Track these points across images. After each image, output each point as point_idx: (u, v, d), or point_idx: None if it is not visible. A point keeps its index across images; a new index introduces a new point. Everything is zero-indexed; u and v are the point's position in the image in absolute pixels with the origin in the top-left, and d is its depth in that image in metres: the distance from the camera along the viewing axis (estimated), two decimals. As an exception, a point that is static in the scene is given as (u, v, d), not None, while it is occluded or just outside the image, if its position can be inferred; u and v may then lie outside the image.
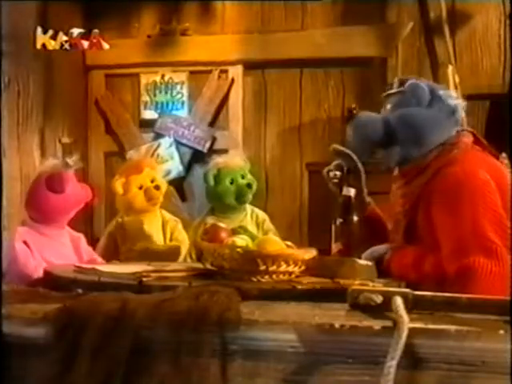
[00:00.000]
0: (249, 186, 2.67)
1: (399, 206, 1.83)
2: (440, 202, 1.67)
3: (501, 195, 1.65)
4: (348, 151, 1.85)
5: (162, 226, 2.70)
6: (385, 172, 1.91)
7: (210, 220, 2.51)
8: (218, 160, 2.77)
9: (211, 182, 2.67)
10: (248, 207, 2.73)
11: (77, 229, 3.39)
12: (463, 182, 1.64)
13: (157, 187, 2.64)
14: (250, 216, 2.70)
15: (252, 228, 2.54)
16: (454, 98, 1.83)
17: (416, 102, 1.79)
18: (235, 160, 2.75)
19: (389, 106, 1.85)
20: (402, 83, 1.85)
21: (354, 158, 1.84)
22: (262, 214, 2.74)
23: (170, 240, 2.69)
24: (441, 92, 1.81)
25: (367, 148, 1.83)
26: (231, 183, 2.65)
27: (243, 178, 2.69)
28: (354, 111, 1.86)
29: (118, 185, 2.63)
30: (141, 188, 2.63)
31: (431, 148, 1.77)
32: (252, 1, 3.44)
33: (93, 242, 3.35)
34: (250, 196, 2.69)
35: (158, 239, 2.62)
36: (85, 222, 3.49)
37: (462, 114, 1.82)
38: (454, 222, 1.63)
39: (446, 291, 1.39)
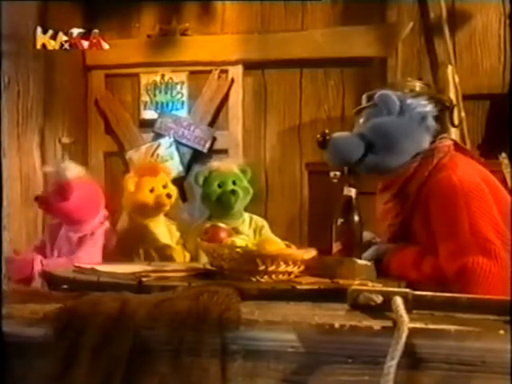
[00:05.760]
0: (233, 192, 2.58)
1: (390, 219, 1.85)
2: (436, 207, 1.69)
3: (492, 198, 1.67)
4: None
5: (167, 228, 2.69)
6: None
7: (207, 225, 2.48)
8: (213, 163, 2.75)
9: (200, 183, 2.65)
10: (246, 214, 2.71)
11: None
12: (457, 186, 1.66)
13: (168, 195, 2.62)
14: (249, 223, 2.67)
15: (248, 234, 2.53)
16: (424, 105, 1.84)
17: (387, 112, 1.82)
18: (228, 165, 2.71)
19: (361, 121, 1.90)
20: (370, 98, 1.90)
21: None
22: (260, 221, 2.70)
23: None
24: (409, 101, 1.83)
25: (348, 165, 1.85)
26: (219, 187, 2.62)
27: (234, 183, 2.64)
28: (327, 136, 1.88)
29: (131, 182, 2.61)
30: (152, 191, 2.62)
31: (408, 157, 1.80)
32: (252, 1, 3.44)
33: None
34: (236, 203, 2.60)
35: (167, 241, 2.61)
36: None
37: (432, 121, 1.83)
38: (451, 225, 1.65)
39: (446, 291, 1.40)
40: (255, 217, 2.72)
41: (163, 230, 2.65)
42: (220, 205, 2.60)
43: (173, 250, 2.53)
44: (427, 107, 1.83)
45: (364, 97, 1.94)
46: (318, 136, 1.90)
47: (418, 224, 1.76)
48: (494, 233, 1.60)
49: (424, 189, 1.75)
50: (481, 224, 1.61)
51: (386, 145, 1.79)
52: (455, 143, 1.89)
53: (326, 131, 1.90)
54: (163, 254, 2.50)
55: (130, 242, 2.54)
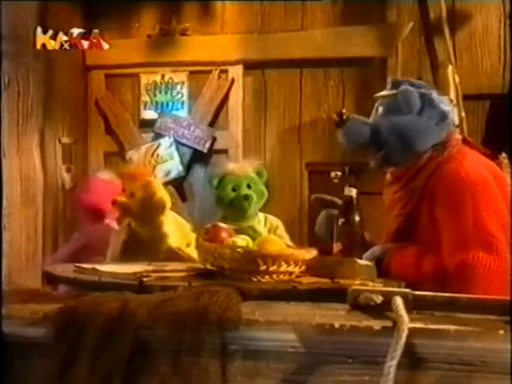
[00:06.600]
0: (246, 197, 2.57)
1: (398, 209, 1.85)
2: (442, 199, 1.70)
3: (499, 192, 1.68)
4: (331, 198, 1.91)
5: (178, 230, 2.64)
6: (380, 172, 1.94)
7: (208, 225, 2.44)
8: (228, 165, 2.72)
9: (214, 185, 2.63)
10: (261, 214, 2.70)
11: (76, 229, 3.40)
12: (464, 179, 1.66)
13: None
14: (264, 223, 2.66)
15: (263, 233, 2.51)
16: (447, 103, 1.83)
17: (407, 110, 1.81)
18: (244, 167, 2.68)
19: (380, 110, 1.88)
20: (394, 84, 1.88)
21: (339, 202, 1.87)
22: (275, 221, 2.68)
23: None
24: (433, 96, 1.81)
25: (358, 152, 1.87)
26: (234, 190, 2.60)
27: (249, 187, 2.62)
28: (344, 116, 1.87)
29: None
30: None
31: (421, 152, 1.80)
32: (252, 1, 3.44)
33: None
34: (250, 207, 2.59)
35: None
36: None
37: (454, 119, 1.84)
38: (455, 218, 1.65)
39: (446, 288, 1.41)
40: (270, 217, 2.70)
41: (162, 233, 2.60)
42: (233, 208, 2.58)
43: (173, 252, 2.50)
44: (448, 106, 1.82)
45: (389, 81, 1.92)
46: (335, 116, 1.88)
47: (424, 215, 1.76)
48: (499, 227, 1.61)
49: (431, 180, 1.75)
50: (485, 218, 1.61)
51: (401, 146, 1.79)
52: (463, 137, 1.90)
53: (343, 110, 1.89)
54: (165, 256, 2.46)
55: (130, 245, 2.51)
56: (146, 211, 2.40)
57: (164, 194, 2.42)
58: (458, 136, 1.86)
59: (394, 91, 1.85)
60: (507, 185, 1.77)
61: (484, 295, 1.48)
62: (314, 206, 1.98)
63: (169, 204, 2.44)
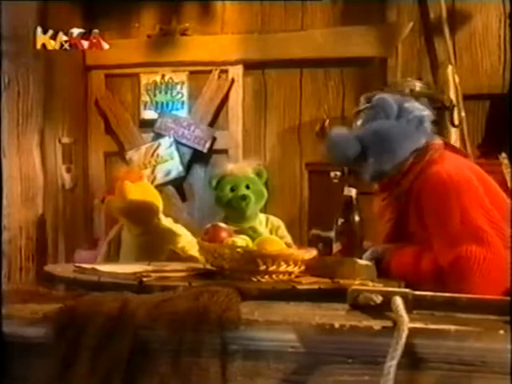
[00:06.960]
0: (243, 198, 2.56)
1: (387, 214, 1.88)
2: (428, 202, 1.72)
3: (483, 189, 1.70)
4: (326, 235, 1.90)
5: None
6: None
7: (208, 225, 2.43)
8: (228, 165, 2.71)
9: (213, 186, 2.63)
10: (262, 215, 2.70)
11: (76, 229, 3.41)
12: (447, 180, 1.69)
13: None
14: (265, 224, 2.66)
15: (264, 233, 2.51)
16: (421, 109, 1.86)
17: (385, 115, 1.83)
18: (243, 168, 2.68)
19: (359, 122, 1.90)
20: (368, 99, 1.91)
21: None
22: (276, 221, 2.68)
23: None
24: (407, 105, 1.84)
25: (344, 164, 1.89)
26: (232, 191, 2.60)
27: (248, 187, 2.62)
28: (326, 124, 1.88)
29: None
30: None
31: (403, 159, 1.81)
32: (252, 1, 3.44)
33: (93, 242, 3.35)
34: (248, 208, 2.57)
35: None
36: (85, 222, 3.49)
37: (429, 124, 1.85)
38: (443, 217, 1.67)
39: (446, 286, 1.41)
40: (272, 217, 2.70)
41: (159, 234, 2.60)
42: (232, 209, 2.58)
43: (174, 252, 2.50)
44: (425, 111, 1.84)
45: (362, 98, 1.95)
46: (317, 127, 1.90)
47: (412, 218, 1.78)
48: (485, 221, 1.62)
49: (416, 184, 1.77)
50: (471, 213, 1.63)
51: (385, 149, 1.81)
52: (445, 142, 1.93)
53: (326, 121, 1.90)
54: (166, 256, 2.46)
55: (117, 245, 2.50)
56: (130, 212, 2.40)
57: (141, 197, 2.38)
58: (439, 141, 1.88)
59: (368, 104, 1.88)
60: (491, 183, 1.78)
61: (482, 288, 1.51)
62: (312, 240, 1.99)
63: (153, 206, 2.41)
